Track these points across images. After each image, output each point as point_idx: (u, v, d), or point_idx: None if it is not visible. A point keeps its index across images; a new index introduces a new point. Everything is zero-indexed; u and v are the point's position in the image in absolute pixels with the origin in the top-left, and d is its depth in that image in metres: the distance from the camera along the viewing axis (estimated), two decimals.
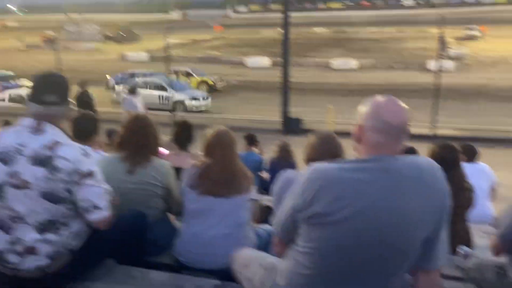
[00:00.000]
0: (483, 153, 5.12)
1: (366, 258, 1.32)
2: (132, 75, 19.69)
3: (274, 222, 1.61)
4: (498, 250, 2.13)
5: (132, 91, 9.76)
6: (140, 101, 9.56)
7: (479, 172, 3.85)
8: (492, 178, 4.05)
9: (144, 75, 19.67)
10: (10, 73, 22.44)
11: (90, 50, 37.26)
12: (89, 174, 1.77)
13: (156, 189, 2.32)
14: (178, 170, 2.54)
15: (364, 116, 1.40)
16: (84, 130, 2.79)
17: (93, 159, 1.83)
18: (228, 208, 2.18)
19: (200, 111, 15.98)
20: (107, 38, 44.04)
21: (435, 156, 2.85)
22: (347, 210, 1.28)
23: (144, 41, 39.63)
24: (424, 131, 11.33)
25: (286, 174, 2.24)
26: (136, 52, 32.87)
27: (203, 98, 16.98)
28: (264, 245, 2.25)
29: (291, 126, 12.45)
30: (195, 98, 16.69)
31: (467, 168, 3.65)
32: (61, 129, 1.83)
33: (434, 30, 11.94)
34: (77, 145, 1.81)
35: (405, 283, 1.44)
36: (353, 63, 26.69)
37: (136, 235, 2.14)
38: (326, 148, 2.07)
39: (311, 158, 2.04)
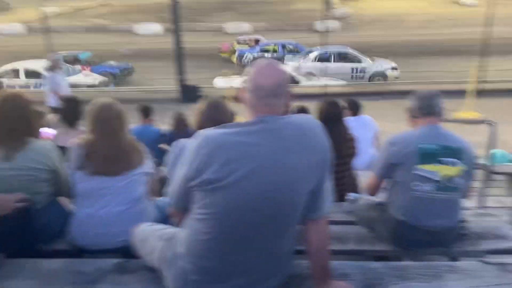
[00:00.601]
0: (367, 105, 5.60)
1: (260, 217, 1.38)
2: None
3: (168, 193, 1.60)
4: (373, 187, 2.37)
5: (53, 68, 8.18)
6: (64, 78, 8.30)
7: (363, 124, 4.21)
8: (375, 128, 4.45)
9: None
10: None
11: None
12: None
13: (40, 173, 2.13)
14: (66, 150, 2.38)
15: (244, 79, 1.43)
16: None
17: None
18: (121, 185, 2.10)
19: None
20: None
21: (321, 111, 3.05)
22: (237, 173, 1.32)
23: (17, 10, 35.28)
24: (316, 90, 12.01)
25: (178, 144, 2.22)
26: (8, 24, 29.21)
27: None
28: (165, 217, 2.23)
29: (189, 94, 12.26)
30: (394, 68, 14.48)
31: (352, 121, 3.98)
32: None
33: None
34: None
35: (297, 234, 1.54)
36: (246, 26, 26.84)
37: (21, 224, 1.98)
38: (214, 115, 2.09)
39: (200, 125, 2.05)
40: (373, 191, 2.39)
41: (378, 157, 2.36)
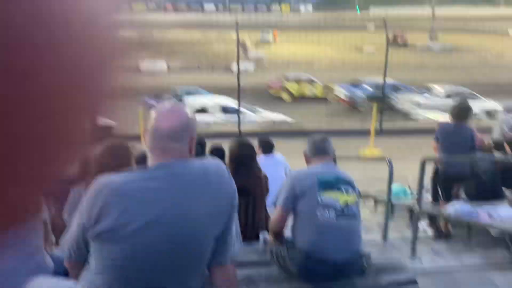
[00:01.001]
0: (281, 144, 5.79)
1: (162, 267, 1.33)
2: None
3: (62, 243, 1.48)
4: (279, 220, 2.45)
5: None
6: None
7: (275, 162, 4.32)
8: (287, 166, 4.60)
9: None
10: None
11: None
12: None
13: None
14: None
15: (148, 122, 1.42)
16: None
17: None
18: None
19: None
20: None
21: (233, 153, 3.09)
22: (136, 222, 1.27)
23: None
24: (232, 128, 12.21)
25: (76, 190, 2.09)
26: None
27: None
28: (63, 269, 2.05)
29: (102, 134, 11.71)
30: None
31: (264, 159, 4.09)
32: None
33: (233, 34, 12.88)
34: None
35: (204, 280, 1.50)
36: (161, 64, 26.78)
37: None
38: (113, 158, 1.99)
39: (98, 169, 1.94)
40: (279, 224, 2.46)
41: (282, 191, 2.46)
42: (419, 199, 3.93)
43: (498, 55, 28.60)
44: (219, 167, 1.49)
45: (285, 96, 18.62)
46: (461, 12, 56.46)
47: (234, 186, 1.49)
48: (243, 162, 3.00)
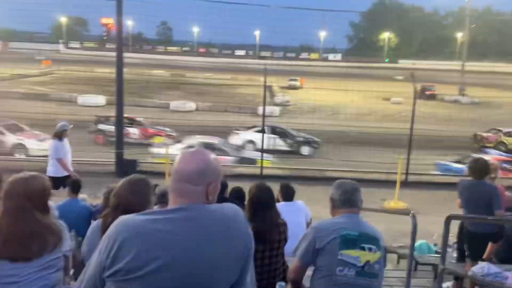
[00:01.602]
0: (302, 190, 5.71)
1: None
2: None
3: (78, 280, 1.48)
4: (297, 271, 2.39)
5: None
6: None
7: (296, 209, 4.28)
8: (308, 214, 4.54)
9: None
10: None
11: None
12: None
13: None
14: None
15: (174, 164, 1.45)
16: None
17: None
18: (31, 271, 1.88)
19: None
20: None
21: (252, 197, 3.08)
22: (153, 264, 1.27)
23: None
24: (255, 170, 12.23)
25: (94, 224, 2.11)
26: None
27: None
28: None
29: (126, 168, 11.95)
30: None
31: (284, 206, 4.05)
32: None
33: (261, 79, 13.18)
34: None
35: None
36: (190, 105, 27.53)
37: None
38: (132, 193, 2.01)
39: (117, 202, 1.96)
40: (297, 275, 2.40)
41: (302, 242, 2.41)
42: (443, 257, 3.77)
43: None
44: (236, 212, 1.48)
45: (502, 148, 19.96)
46: (492, 68, 56.28)
47: (251, 232, 1.48)
48: (262, 207, 2.98)
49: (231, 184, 5.11)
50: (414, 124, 12.38)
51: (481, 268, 3.98)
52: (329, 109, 28.04)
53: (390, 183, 11.05)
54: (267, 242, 2.91)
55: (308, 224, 4.41)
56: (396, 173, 10.51)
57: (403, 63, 67.91)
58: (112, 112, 13.13)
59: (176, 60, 58.30)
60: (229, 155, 13.81)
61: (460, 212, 5.07)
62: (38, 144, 14.10)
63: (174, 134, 17.63)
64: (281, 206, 3.73)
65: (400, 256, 5.76)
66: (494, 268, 4.00)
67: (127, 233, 1.30)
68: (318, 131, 18.93)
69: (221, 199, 4.54)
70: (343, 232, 2.27)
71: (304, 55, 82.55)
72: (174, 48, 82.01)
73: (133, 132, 17.04)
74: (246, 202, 3.27)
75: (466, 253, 4.76)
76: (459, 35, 65.49)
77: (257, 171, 12.13)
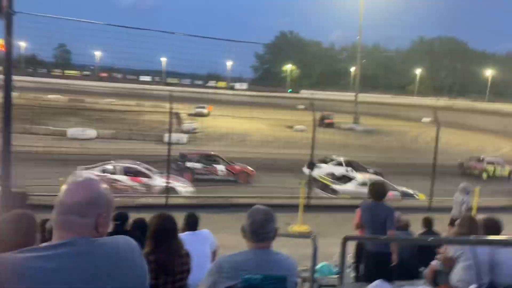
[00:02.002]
0: (209, 218, 5.62)
1: None
2: None
3: None
4: None
5: None
6: None
7: (200, 239, 4.18)
8: (213, 242, 4.47)
9: None
10: None
11: None
12: None
13: None
14: None
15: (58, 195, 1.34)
16: None
17: None
18: None
19: None
20: None
21: (153, 227, 2.96)
22: None
23: None
24: (159, 200, 11.85)
25: None
26: None
27: None
28: None
29: (15, 202, 10.80)
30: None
31: (188, 236, 3.95)
32: None
33: (168, 105, 13.00)
34: None
35: None
36: (90, 132, 26.04)
37: None
38: (13, 228, 1.82)
39: None
40: None
41: (207, 279, 2.32)
42: (340, 278, 3.95)
43: (413, 140, 31.42)
44: (129, 243, 1.39)
45: (484, 175, 21.85)
46: (381, 99, 62.28)
47: (146, 265, 1.40)
48: (164, 237, 2.88)
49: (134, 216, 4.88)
50: (314, 150, 13.09)
51: (374, 286, 4.24)
52: (236, 136, 28.52)
53: (294, 207, 11.46)
54: (170, 273, 2.80)
55: (213, 254, 4.35)
56: (299, 197, 10.92)
57: (304, 93, 72.16)
58: None
59: (75, 84, 55.17)
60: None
61: (357, 233, 5.41)
62: None
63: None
64: (185, 236, 3.65)
65: (303, 280, 5.93)
66: (386, 286, 4.28)
67: (4, 273, 1.15)
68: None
69: (122, 231, 4.31)
70: (245, 276, 2.12)
71: (211, 83, 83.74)
72: (73, 72, 77.81)
73: (220, 169, 16.56)
74: (147, 233, 3.13)
75: (363, 273, 5.05)
76: (352, 68, 71.81)
77: (161, 201, 11.78)
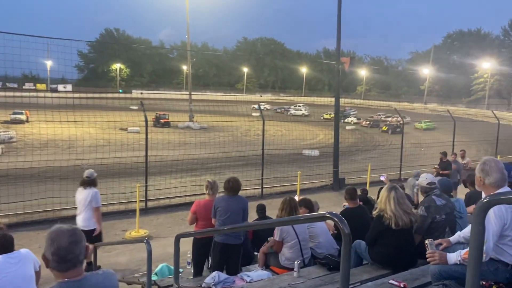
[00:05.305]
0: (30, 236, 4.96)
1: None
2: None
3: None
4: None
5: None
6: None
7: (19, 260, 3.73)
8: (37, 261, 4.03)
9: None
10: None
11: None
12: None
13: None
14: None
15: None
16: None
17: None
18: None
19: None
20: None
21: None
22: None
23: None
24: None
25: None
26: None
27: None
28: None
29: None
30: None
31: (3, 259, 3.53)
32: None
33: None
34: None
35: None
36: None
37: None
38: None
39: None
40: None
41: None
42: (176, 277, 4.04)
43: (244, 133, 33.54)
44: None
45: None
46: (211, 97, 64.68)
47: None
48: None
49: None
50: (150, 151, 12.86)
51: (212, 277, 4.46)
52: (63, 143, 26.07)
53: (131, 212, 11.11)
54: None
55: (38, 273, 3.95)
56: (135, 201, 10.61)
57: (137, 93, 70.08)
58: None
59: None
60: None
61: (192, 228, 5.58)
62: None
63: None
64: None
65: (142, 285, 5.84)
66: (223, 276, 4.55)
67: None
68: (53, 168, 17.32)
69: None
70: None
71: (29, 85, 74.47)
72: None
73: None
74: None
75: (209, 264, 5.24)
76: (184, 67, 72.60)
77: None
